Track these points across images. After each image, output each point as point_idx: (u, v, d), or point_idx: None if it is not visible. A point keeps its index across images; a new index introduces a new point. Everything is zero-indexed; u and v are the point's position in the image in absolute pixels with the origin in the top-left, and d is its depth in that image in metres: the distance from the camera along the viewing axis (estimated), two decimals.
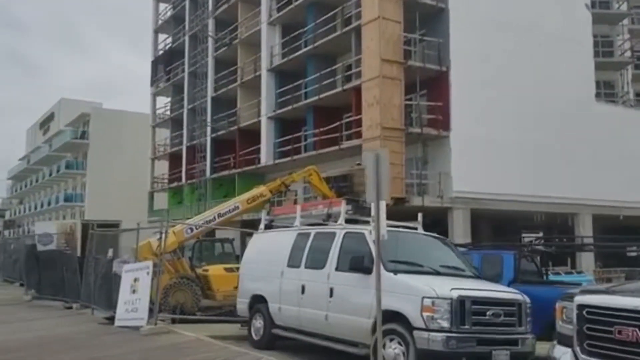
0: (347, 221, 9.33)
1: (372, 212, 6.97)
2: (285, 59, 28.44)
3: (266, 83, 29.68)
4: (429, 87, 22.08)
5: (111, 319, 12.16)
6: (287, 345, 9.80)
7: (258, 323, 10.00)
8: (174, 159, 41.00)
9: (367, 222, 8.14)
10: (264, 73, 29.88)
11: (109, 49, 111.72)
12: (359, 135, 22.66)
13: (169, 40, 44.00)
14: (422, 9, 22.09)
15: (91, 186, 51.72)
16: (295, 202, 23.65)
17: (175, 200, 41.14)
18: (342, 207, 9.23)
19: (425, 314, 6.94)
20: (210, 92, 33.75)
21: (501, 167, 22.51)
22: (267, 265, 9.79)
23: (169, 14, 43.74)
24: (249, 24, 32.23)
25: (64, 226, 25.30)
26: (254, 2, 31.90)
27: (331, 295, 8.39)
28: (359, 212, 9.67)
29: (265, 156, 29.37)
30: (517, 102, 23.43)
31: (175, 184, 40.24)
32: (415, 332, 7.02)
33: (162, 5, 45.43)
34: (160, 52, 44.69)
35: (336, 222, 9.43)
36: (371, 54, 21.09)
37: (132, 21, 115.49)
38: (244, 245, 28.59)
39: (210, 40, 33.80)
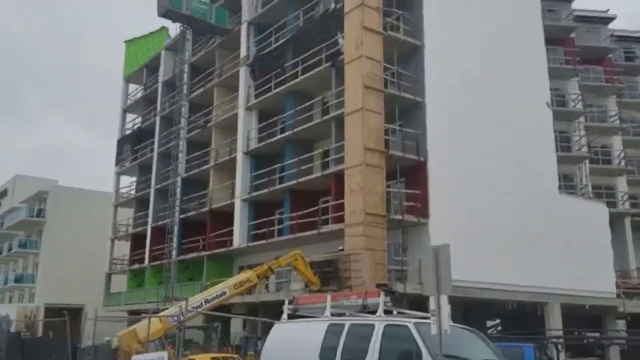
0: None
1: (432, 306, 7.01)
2: (263, 143, 28.89)
3: (242, 165, 29.91)
4: (408, 175, 22.75)
5: None
6: None
7: None
8: (137, 240, 40.06)
9: (404, 314, 8.12)
10: (239, 155, 30.17)
11: (55, 124, 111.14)
12: (338, 220, 22.88)
13: (138, 120, 44.21)
14: (401, 102, 23.11)
15: (44, 267, 49.60)
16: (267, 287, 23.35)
17: (135, 283, 39.88)
18: (381, 299, 9.17)
19: None
20: (181, 173, 33.66)
21: (475, 255, 22.89)
22: (294, 357, 9.48)
23: (139, 94, 44.13)
24: (225, 107, 32.85)
25: (24, 310, 24.10)
26: (231, 87, 32.70)
27: None
28: (397, 303, 9.60)
29: (239, 239, 29.12)
30: (490, 193, 24.28)
31: (136, 265, 39.12)
32: None
33: (132, 86, 45.95)
34: (128, 132, 44.68)
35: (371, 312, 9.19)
36: (354, 143, 21.73)
37: (83, 99, 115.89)
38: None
39: (183, 121, 34.12)
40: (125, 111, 45.61)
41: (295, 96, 27.87)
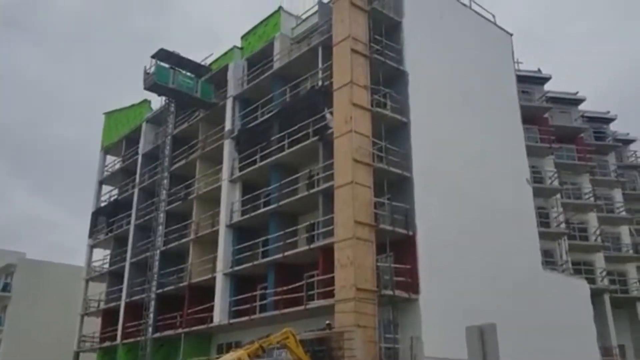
0: None
1: None
2: (247, 216, 28.60)
3: (224, 238, 29.41)
4: (397, 249, 22.61)
5: None
6: None
7: None
8: (108, 316, 38.45)
9: None
10: (222, 228, 29.71)
11: (20, 196, 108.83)
12: (326, 295, 22.43)
13: (114, 191, 43.57)
14: (390, 176, 23.35)
15: (7, 344, 47.00)
16: None
17: None
18: None
19: None
20: (160, 246, 32.89)
21: (463, 332, 22.58)
22: None
23: (117, 166, 43.73)
24: (208, 180, 32.66)
25: None
26: (214, 159, 32.67)
27: None
28: None
29: (219, 315, 28.18)
30: (477, 269, 24.28)
31: (107, 343, 37.36)
32: None
33: (109, 158, 45.58)
34: (103, 204, 43.88)
35: None
36: (344, 216, 21.65)
37: (52, 170, 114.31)
38: None
39: (163, 193, 33.72)
40: (101, 183, 44.93)
41: (280, 169, 27.94)
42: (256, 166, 28.84)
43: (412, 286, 21.96)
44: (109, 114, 46.05)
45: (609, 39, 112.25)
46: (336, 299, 20.95)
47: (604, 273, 35.37)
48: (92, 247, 43.15)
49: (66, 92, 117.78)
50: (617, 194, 40.34)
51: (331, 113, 24.63)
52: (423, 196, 23.49)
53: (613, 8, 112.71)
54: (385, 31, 25.33)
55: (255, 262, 27.13)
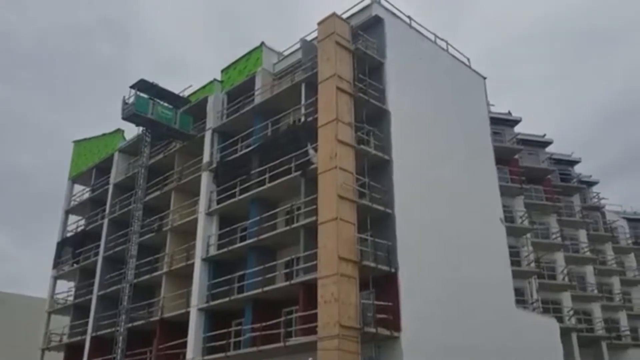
0: None
1: None
2: (224, 250, 28.29)
3: (199, 272, 28.96)
4: (378, 286, 22.71)
5: None
6: None
7: None
8: (72, 351, 37.09)
9: None
10: (197, 262, 29.29)
11: None
12: (306, 331, 22.25)
13: (82, 222, 42.52)
14: (373, 213, 23.58)
15: None
16: None
17: None
18: None
19: None
20: (131, 279, 32.09)
21: None
22: None
23: (85, 196, 42.80)
24: (183, 212, 32.26)
25: None
26: (190, 191, 32.36)
27: None
28: None
29: (193, 351, 27.52)
30: (456, 307, 24.55)
31: None
32: None
33: (77, 187, 44.61)
34: (69, 234, 42.73)
35: None
36: (328, 252, 21.68)
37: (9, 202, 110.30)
38: None
39: (135, 224, 33.06)
40: (67, 212, 43.82)
41: (260, 203, 27.85)
42: (235, 199, 28.69)
43: (394, 324, 22.00)
44: (78, 143, 45.25)
45: (562, 82, 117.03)
46: (319, 335, 20.80)
47: (572, 312, 36.12)
48: (55, 279, 41.78)
49: (20, 118, 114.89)
50: (582, 235, 41.55)
51: (314, 148, 24.85)
52: (404, 233, 23.75)
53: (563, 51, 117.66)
54: (369, 71, 25.90)
55: (232, 297, 26.75)
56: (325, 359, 20.21)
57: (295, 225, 24.95)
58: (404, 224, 23.93)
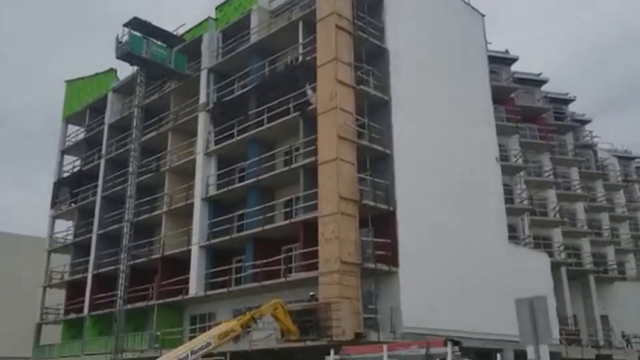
0: None
1: (530, 356, 7.26)
2: (223, 190, 28.61)
3: (200, 212, 29.38)
4: (377, 224, 23.26)
5: None
6: None
7: None
8: (74, 288, 37.91)
9: None
10: (197, 202, 29.66)
11: None
12: (306, 267, 22.91)
13: (78, 162, 42.56)
14: (372, 153, 23.84)
15: None
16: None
17: (70, 333, 37.58)
18: (449, 349, 9.30)
19: None
20: (131, 219, 32.49)
21: (440, 303, 23.59)
22: None
23: (80, 136, 42.65)
24: (180, 153, 32.38)
25: None
26: (187, 132, 32.37)
27: None
28: (465, 354, 9.67)
29: (196, 287, 28.33)
30: (451, 242, 25.26)
31: (73, 315, 36.93)
32: None
33: (71, 127, 44.37)
34: (66, 174, 42.84)
35: None
36: (329, 192, 22.06)
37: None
38: None
39: (133, 165, 33.14)
40: (63, 153, 43.78)
41: (258, 144, 27.97)
42: (233, 140, 28.76)
43: (392, 259, 22.69)
44: (70, 82, 44.67)
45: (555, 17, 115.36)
46: (321, 271, 21.45)
47: (562, 247, 37.15)
48: (54, 218, 42.23)
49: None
50: (574, 172, 42.16)
51: (312, 88, 24.80)
52: (402, 173, 24.14)
53: None
54: (368, 9, 25.54)
55: (233, 235, 27.28)
56: (326, 293, 20.92)
57: (294, 165, 25.20)
58: (402, 163, 24.28)
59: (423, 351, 9.83)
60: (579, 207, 41.05)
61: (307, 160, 24.24)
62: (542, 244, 36.60)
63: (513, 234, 33.80)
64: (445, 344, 9.40)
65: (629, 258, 46.01)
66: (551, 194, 38.39)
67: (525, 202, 34.64)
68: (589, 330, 37.21)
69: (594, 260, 40.40)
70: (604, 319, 39.41)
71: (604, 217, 44.64)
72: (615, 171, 49.42)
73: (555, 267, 35.61)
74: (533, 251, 32.70)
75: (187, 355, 15.96)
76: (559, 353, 29.89)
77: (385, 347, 10.21)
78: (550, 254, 35.69)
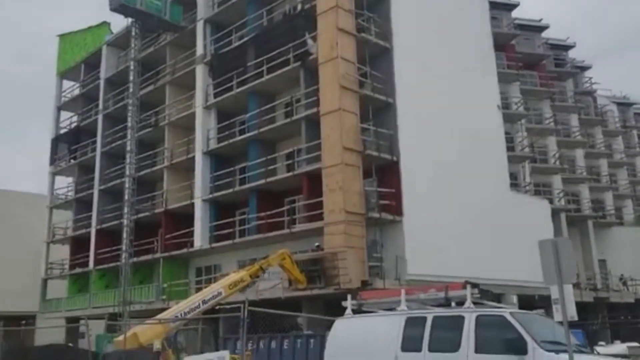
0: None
1: (554, 296, 7.38)
2: (224, 143, 28.48)
3: (201, 165, 29.35)
4: (381, 174, 23.32)
5: None
6: None
7: None
8: (78, 243, 38.25)
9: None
10: (198, 155, 29.59)
11: None
12: (310, 218, 23.07)
13: (75, 118, 42.23)
14: (374, 103, 23.65)
15: None
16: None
17: (76, 287, 38.14)
18: (468, 291, 9.45)
19: None
20: (132, 174, 32.42)
21: (444, 251, 23.85)
22: (368, 352, 9.58)
23: (76, 92, 42.15)
24: (179, 107, 32.07)
25: None
26: (185, 85, 32.00)
27: None
28: (484, 296, 9.87)
29: (200, 240, 28.57)
30: (454, 190, 25.33)
31: (78, 270, 37.36)
32: None
33: (66, 83, 43.80)
34: (63, 130, 42.57)
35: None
36: (332, 142, 22.00)
37: None
38: None
39: (132, 119, 32.84)
40: (59, 109, 43.37)
41: (258, 96, 27.71)
42: (232, 92, 28.47)
43: (396, 209, 22.84)
44: (63, 37, 43.79)
45: None
46: (326, 221, 21.60)
47: (561, 194, 37.36)
48: (54, 175, 42.22)
49: None
50: (574, 119, 41.98)
51: (312, 38, 24.39)
52: (405, 122, 24.03)
53: None
54: None
55: (236, 188, 27.34)
56: (331, 243, 21.14)
57: (296, 117, 25.04)
58: (405, 113, 24.13)
59: (442, 294, 9.99)
60: (579, 153, 41.05)
61: (309, 112, 24.09)
62: (543, 190, 36.77)
63: (514, 182, 33.93)
64: (464, 287, 9.54)
65: (627, 203, 46.36)
66: (551, 141, 38.31)
67: (526, 149, 34.60)
68: (587, 274, 37.77)
69: (593, 206, 40.67)
70: (602, 263, 39.96)
71: (603, 163, 44.69)
72: (614, 117, 49.25)
73: (555, 213, 35.83)
74: (534, 198, 32.92)
75: (199, 304, 16.23)
76: None
77: (403, 291, 10.34)
78: (551, 201, 35.92)
